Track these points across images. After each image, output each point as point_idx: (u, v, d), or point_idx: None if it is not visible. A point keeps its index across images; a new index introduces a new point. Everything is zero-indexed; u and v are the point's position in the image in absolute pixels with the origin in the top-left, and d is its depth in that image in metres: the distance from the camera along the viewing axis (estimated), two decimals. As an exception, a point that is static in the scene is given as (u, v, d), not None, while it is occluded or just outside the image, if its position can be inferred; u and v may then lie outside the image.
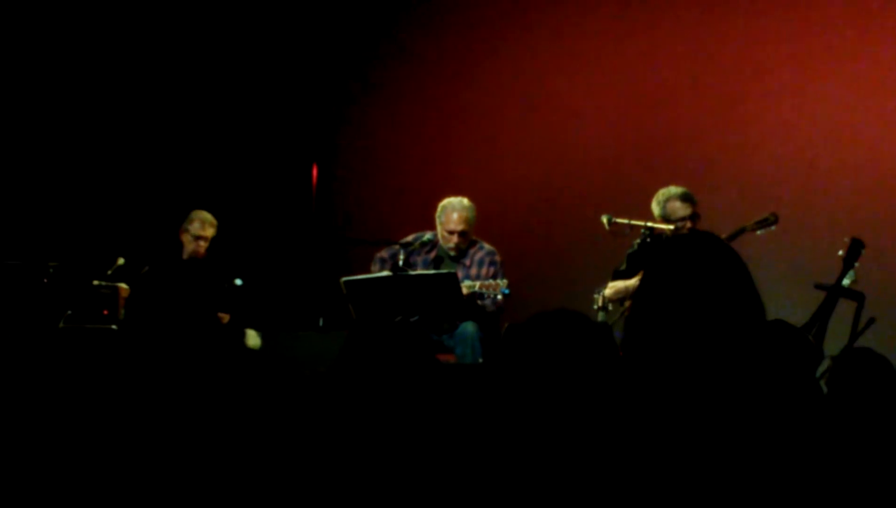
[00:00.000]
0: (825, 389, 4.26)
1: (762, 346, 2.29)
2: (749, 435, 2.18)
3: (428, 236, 7.19)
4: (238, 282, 7.50)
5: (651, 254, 6.57)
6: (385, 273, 6.93)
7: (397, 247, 7.11)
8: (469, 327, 6.79)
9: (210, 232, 7.68)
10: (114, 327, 6.97)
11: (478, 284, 6.85)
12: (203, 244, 7.66)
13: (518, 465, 2.26)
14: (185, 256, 7.69)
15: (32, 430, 2.92)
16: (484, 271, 7.12)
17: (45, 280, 7.05)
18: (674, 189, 6.83)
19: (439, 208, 7.20)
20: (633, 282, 6.55)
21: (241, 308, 7.57)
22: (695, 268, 2.33)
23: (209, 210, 7.80)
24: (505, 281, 6.85)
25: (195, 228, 7.67)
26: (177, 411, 2.79)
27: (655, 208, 6.79)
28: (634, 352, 2.35)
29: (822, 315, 6.26)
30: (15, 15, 8.54)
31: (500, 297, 6.85)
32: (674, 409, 2.22)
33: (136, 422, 2.80)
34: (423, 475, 2.41)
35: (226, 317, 7.49)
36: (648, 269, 2.41)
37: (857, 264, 6.36)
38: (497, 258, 7.21)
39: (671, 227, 6.61)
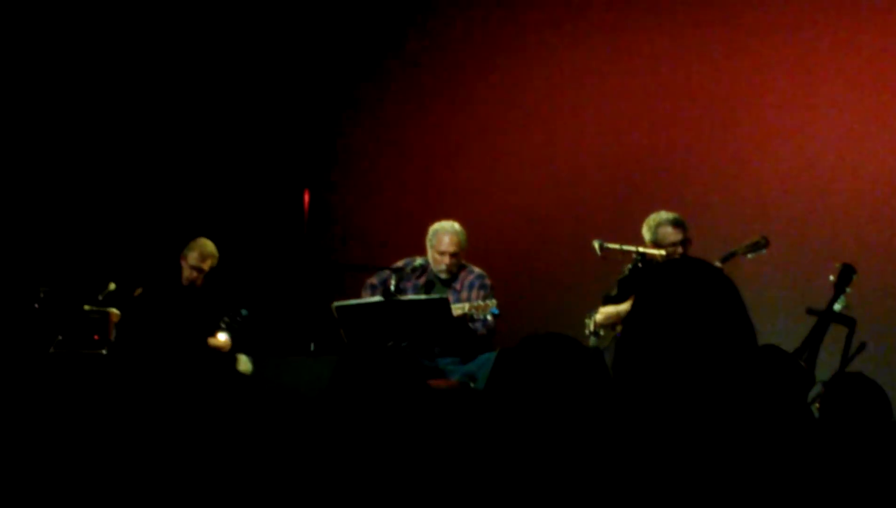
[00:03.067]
0: (817, 414, 4.26)
1: (754, 371, 2.29)
2: (741, 461, 2.18)
3: (419, 261, 7.20)
4: (244, 313, 7.47)
5: (642, 279, 6.56)
6: (377, 298, 6.92)
7: (388, 272, 7.11)
8: (492, 356, 6.75)
9: (208, 264, 7.66)
10: (104, 352, 6.95)
11: (467, 306, 6.85)
12: (197, 275, 7.63)
13: (509, 488, 2.26)
14: (183, 281, 7.67)
15: (23, 454, 2.91)
16: (474, 294, 7.11)
17: (36, 305, 7.04)
18: (664, 214, 6.82)
19: (430, 232, 7.20)
20: (623, 307, 6.54)
21: (239, 335, 7.55)
22: (686, 293, 2.33)
23: (202, 235, 7.78)
24: (494, 302, 6.84)
25: (193, 258, 7.65)
26: (166, 435, 2.78)
27: (646, 234, 6.79)
28: (625, 377, 2.35)
29: (813, 340, 6.25)
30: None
31: (490, 318, 6.85)
32: (665, 434, 2.22)
33: (127, 446, 2.79)
34: (414, 499, 2.40)
35: (227, 345, 7.43)
36: (640, 294, 2.41)
37: (848, 290, 6.35)
38: (487, 282, 7.20)
39: (662, 252, 6.60)
